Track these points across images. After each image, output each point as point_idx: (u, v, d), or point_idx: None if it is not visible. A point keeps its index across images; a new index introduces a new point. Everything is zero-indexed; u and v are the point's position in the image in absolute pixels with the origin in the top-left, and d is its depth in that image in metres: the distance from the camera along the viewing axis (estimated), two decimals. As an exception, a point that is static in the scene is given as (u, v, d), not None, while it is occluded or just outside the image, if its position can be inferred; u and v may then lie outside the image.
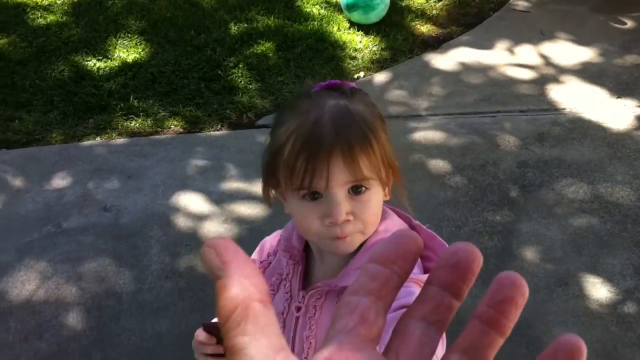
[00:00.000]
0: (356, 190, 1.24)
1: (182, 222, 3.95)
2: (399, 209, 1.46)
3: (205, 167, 4.39)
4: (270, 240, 1.60)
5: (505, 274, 0.42)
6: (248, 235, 3.74)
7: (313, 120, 1.22)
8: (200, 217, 3.97)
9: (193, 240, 3.81)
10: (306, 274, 1.42)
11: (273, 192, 1.39)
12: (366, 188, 1.25)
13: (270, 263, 1.53)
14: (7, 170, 4.40)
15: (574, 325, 3.29)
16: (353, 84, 1.35)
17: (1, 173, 4.37)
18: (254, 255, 1.59)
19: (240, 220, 3.92)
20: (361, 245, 1.31)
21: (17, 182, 4.30)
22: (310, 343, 1.31)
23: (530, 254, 3.67)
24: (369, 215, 1.27)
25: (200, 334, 1.33)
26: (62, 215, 4.00)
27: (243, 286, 0.37)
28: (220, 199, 4.09)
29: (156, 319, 3.35)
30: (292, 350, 1.34)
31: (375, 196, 1.28)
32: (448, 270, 0.43)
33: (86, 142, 4.70)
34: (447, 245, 1.20)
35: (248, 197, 4.04)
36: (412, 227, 1.39)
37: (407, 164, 4.10)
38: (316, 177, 1.20)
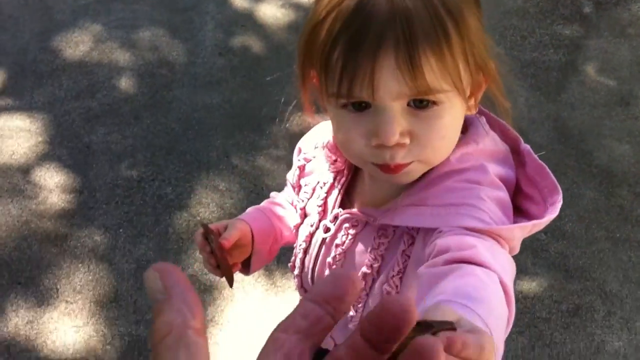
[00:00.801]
0: (419, 103, 0.86)
1: (238, 1, 3.84)
2: (501, 118, 1.06)
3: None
4: (313, 136, 1.24)
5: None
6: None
7: None
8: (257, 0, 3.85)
9: (249, 21, 3.72)
10: (349, 190, 1.11)
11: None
12: (433, 103, 0.86)
13: (314, 157, 1.19)
14: None
15: (628, 144, 3.22)
16: None
17: None
18: (294, 156, 1.26)
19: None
20: (425, 174, 0.96)
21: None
22: None
23: (594, 70, 3.53)
24: (435, 139, 0.89)
25: (198, 236, 1.14)
26: (118, -18, 3.91)
27: (180, 312, 0.37)
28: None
29: (207, 92, 3.34)
30: (312, 273, 1.14)
31: (449, 113, 0.88)
32: (374, 328, 0.38)
33: None
34: (557, 185, 0.96)
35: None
36: (519, 152, 1.02)
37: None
38: (357, 81, 0.83)
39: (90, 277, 2.47)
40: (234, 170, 2.93)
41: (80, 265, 2.51)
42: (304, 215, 1.16)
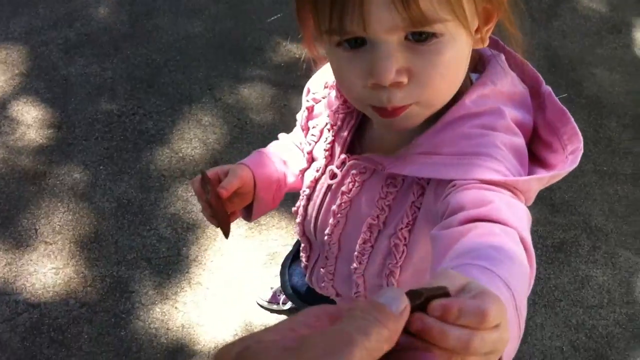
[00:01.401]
0: (418, 37, 0.77)
1: None
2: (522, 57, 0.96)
3: None
4: (322, 75, 1.14)
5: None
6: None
7: None
8: None
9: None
10: (359, 133, 1.04)
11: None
12: (434, 35, 0.76)
13: (324, 98, 1.12)
14: None
15: (619, 74, 3.14)
16: None
17: None
18: (303, 97, 1.18)
19: None
20: (437, 116, 0.87)
21: None
22: (338, 221, 1.03)
23: (588, -4, 3.41)
24: (435, 78, 0.79)
25: (196, 183, 1.08)
26: None
27: None
28: None
29: (189, 20, 3.22)
30: (315, 220, 1.10)
31: (451, 47, 0.78)
32: None
33: None
34: (579, 132, 0.88)
35: None
36: (539, 94, 0.94)
37: None
38: (347, 14, 0.75)
39: (70, 217, 2.43)
40: (217, 104, 2.84)
41: (59, 204, 2.46)
42: (311, 160, 1.11)
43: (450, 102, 0.86)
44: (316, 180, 1.06)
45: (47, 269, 2.28)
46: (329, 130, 1.04)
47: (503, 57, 0.93)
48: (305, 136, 1.14)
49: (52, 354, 2.11)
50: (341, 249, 1.07)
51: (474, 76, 0.91)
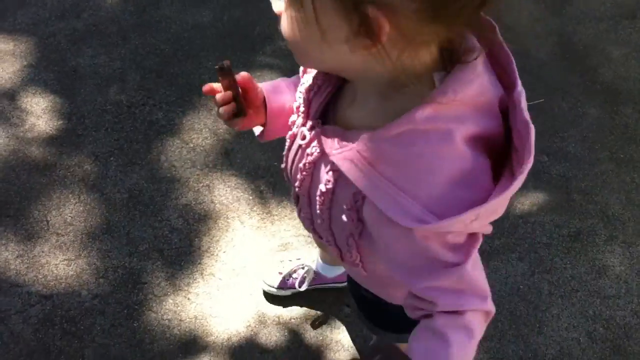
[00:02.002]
0: None
1: None
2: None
3: None
4: None
5: None
6: None
7: None
8: None
9: None
10: (336, 98, 1.04)
11: None
12: None
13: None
14: None
15: (634, 59, 3.12)
16: None
17: None
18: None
19: None
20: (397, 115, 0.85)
21: None
22: (304, 178, 1.06)
23: (603, -19, 3.36)
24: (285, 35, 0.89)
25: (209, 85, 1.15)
26: None
27: None
28: None
29: (197, 9, 3.19)
30: (290, 171, 1.14)
31: (288, 24, 0.87)
32: None
33: None
34: (532, 151, 0.82)
35: None
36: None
37: None
38: None
39: (81, 208, 2.41)
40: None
41: (70, 195, 2.45)
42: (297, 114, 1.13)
43: (404, 102, 0.84)
44: (294, 135, 1.09)
45: (59, 261, 2.27)
46: (307, 92, 1.05)
47: (482, 56, 0.85)
48: None
49: (65, 345, 2.09)
50: (311, 201, 1.10)
51: (438, 75, 0.85)
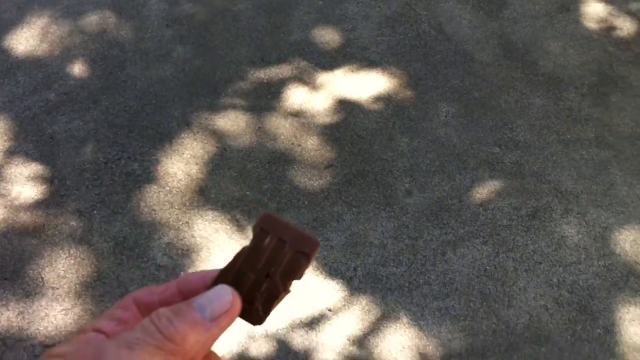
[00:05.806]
0: None
1: (177, -30, 3.86)
2: None
3: None
4: None
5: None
6: None
7: None
8: (196, -36, 3.87)
9: (190, -12, 3.75)
10: None
11: None
12: None
13: None
14: None
15: (572, 48, 3.30)
16: None
17: None
18: None
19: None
20: None
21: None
22: None
23: (532, -21, 3.58)
24: None
25: None
26: (56, -29, 3.92)
27: None
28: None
29: (160, 65, 3.40)
30: None
31: None
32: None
33: None
34: None
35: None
36: None
37: None
38: None
39: (72, 261, 2.58)
40: (196, 137, 3.01)
41: (60, 251, 2.62)
42: None
43: None
44: None
45: (57, 312, 2.43)
46: None
47: None
48: None
49: (72, 388, 2.24)
50: None
51: None
